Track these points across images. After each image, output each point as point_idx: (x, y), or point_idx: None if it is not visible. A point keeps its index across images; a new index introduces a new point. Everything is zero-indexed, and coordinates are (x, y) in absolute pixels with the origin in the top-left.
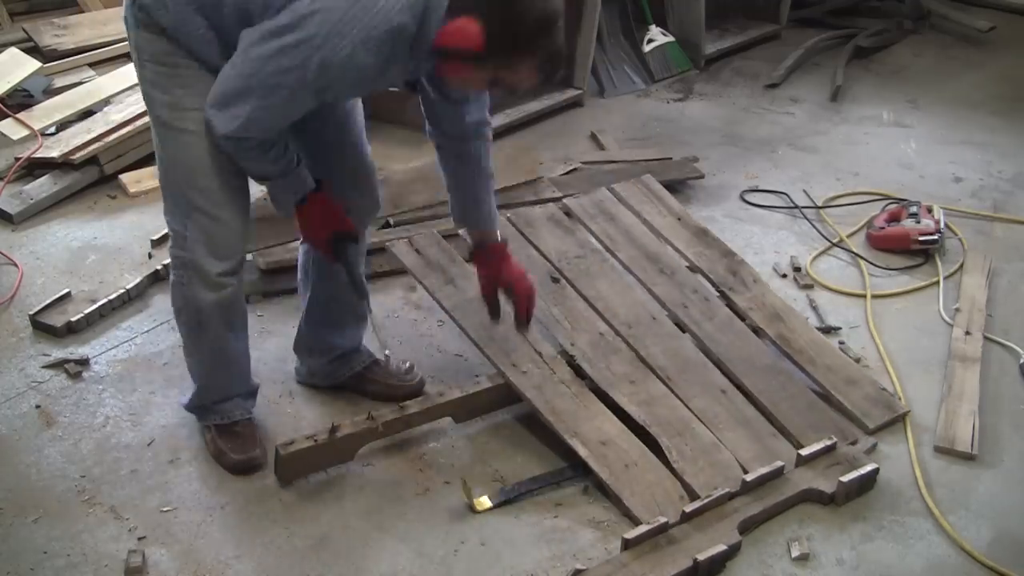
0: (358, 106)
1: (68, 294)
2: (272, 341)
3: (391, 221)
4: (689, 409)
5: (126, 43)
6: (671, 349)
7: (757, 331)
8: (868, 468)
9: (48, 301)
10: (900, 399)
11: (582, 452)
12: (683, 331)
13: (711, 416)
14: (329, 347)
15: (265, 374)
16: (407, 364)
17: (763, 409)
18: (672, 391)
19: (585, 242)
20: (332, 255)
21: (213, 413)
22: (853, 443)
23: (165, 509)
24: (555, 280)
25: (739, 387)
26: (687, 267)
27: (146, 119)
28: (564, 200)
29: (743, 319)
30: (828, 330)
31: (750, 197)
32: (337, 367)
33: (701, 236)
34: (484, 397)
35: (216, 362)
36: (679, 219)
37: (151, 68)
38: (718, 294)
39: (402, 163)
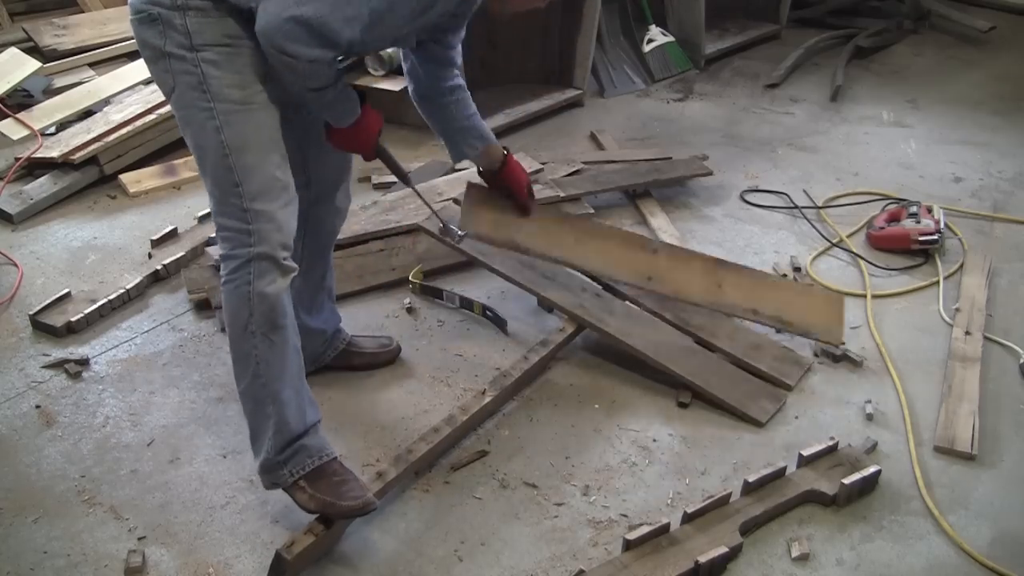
0: None
1: (68, 294)
2: None
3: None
4: None
5: (126, 43)
6: None
7: (657, 317)
8: (871, 470)
9: (48, 301)
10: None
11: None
12: (593, 329)
13: None
14: (316, 332)
15: None
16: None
17: (698, 388)
18: None
19: (458, 258)
20: (375, 153)
21: (302, 456)
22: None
23: (165, 509)
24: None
25: (669, 373)
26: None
27: (146, 119)
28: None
29: (637, 306)
30: None
31: (750, 197)
32: (324, 350)
33: None
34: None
35: (296, 369)
36: None
37: (211, 52)
38: (602, 287)
39: (401, 163)
